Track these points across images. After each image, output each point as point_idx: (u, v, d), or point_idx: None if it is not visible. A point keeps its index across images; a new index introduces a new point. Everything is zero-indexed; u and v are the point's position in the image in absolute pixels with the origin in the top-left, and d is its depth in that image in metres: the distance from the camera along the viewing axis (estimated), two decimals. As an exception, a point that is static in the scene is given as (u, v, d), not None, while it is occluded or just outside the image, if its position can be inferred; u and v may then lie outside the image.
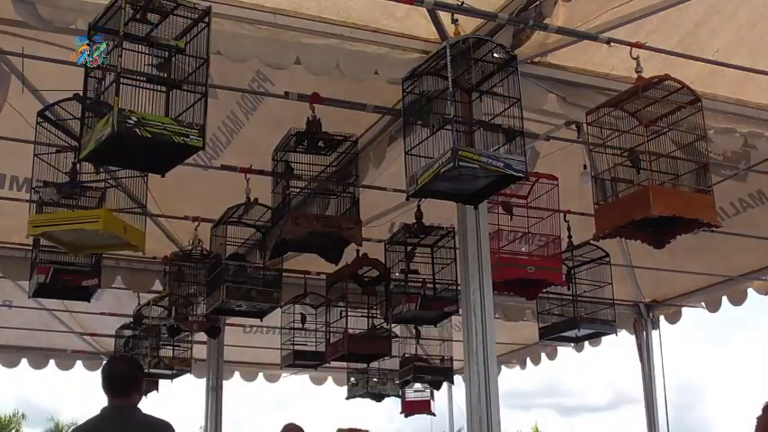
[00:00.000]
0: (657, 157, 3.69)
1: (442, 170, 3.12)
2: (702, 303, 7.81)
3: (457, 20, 3.47)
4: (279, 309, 5.57)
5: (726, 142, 4.57)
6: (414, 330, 6.73)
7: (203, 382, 7.59)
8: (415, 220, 4.89)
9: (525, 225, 4.70)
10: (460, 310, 3.97)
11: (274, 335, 7.25)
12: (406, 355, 6.89)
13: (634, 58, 3.73)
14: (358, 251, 4.96)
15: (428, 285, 5.01)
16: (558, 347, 9.60)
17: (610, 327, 5.63)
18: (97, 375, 9.67)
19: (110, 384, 3.88)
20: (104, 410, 3.86)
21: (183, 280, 5.74)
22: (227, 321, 7.17)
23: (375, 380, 7.34)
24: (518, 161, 3.20)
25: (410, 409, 8.07)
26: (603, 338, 6.65)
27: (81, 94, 3.11)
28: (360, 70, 3.88)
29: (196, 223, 5.53)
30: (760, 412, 4.86)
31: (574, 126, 4.91)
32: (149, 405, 3.98)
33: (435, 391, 8.07)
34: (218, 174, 4.90)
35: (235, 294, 4.97)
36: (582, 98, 4.17)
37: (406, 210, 5.22)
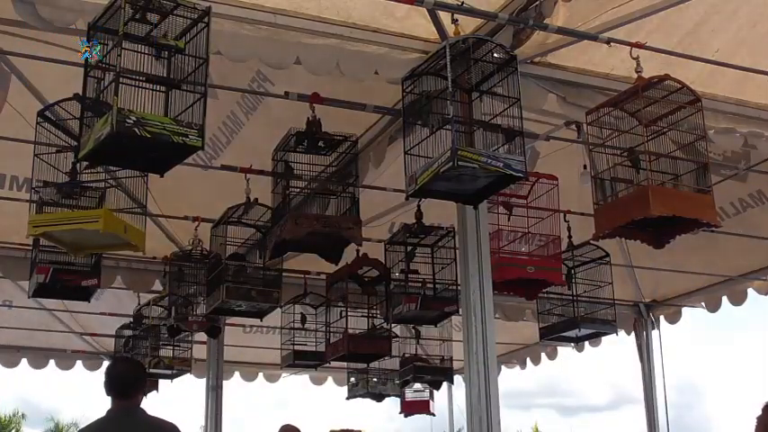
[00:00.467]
0: (657, 157, 3.69)
1: (441, 170, 3.12)
2: (702, 303, 7.81)
3: (457, 20, 3.46)
4: (279, 309, 5.57)
5: (726, 142, 4.57)
6: (414, 330, 6.73)
7: (203, 382, 7.58)
8: (415, 220, 4.88)
9: (525, 225, 4.70)
10: (460, 310, 3.96)
11: (274, 335, 7.25)
12: (406, 355, 6.89)
13: (634, 58, 3.73)
14: (358, 251, 4.96)
15: (428, 285, 5.00)
16: (558, 347, 9.60)
17: (610, 327, 5.63)
18: (97, 375, 9.68)
19: (114, 385, 3.88)
20: (110, 412, 3.87)
21: (182, 280, 5.74)
22: (227, 321, 7.16)
23: (375, 380, 7.34)
24: (518, 161, 3.19)
25: (409, 409, 8.07)
26: (603, 338, 6.65)
27: (81, 93, 3.11)
28: (360, 70, 3.88)
29: (196, 223, 5.52)
30: (760, 412, 4.86)
31: (574, 126, 4.91)
32: (149, 405, 3.98)
33: (435, 391, 8.07)
34: (218, 174, 4.90)
35: (235, 294, 4.96)
36: (582, 98, 4.17)
37: (406, 210, 5.22)
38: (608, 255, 5.48)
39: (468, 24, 3.77)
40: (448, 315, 5.11)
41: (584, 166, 4.66)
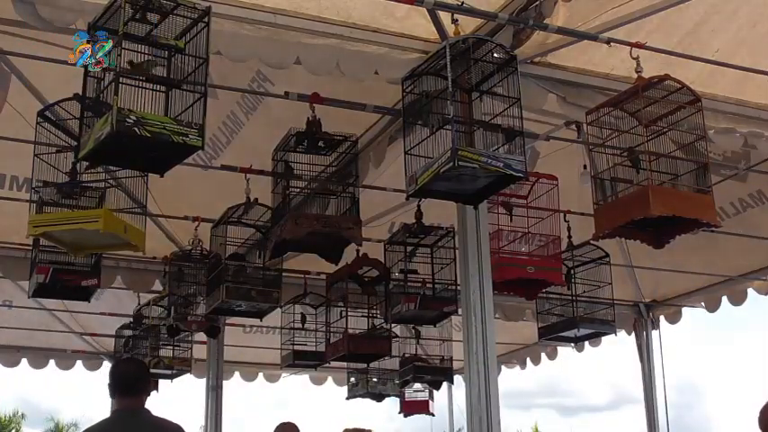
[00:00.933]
0: (657, 157, 3.69)
1: (441, 170, 3.12)
2: (702, 303, 7.81)
3: (457, 20, 3.47)
4: (279, 309, 5.57)
5: (726, 142, 4.57)
6: (414, 330, 6.73)
7: (203, 382, 7.58)
8: (414, 220, 4.89)
9: (525, 225, 4.71)
10: (460, 310, 3.96)
11: (274, 335, 7.25)
12: (406, 355, 6.89)
13: (634, 58, 3.73)
14: (358, 251, 4.96)
15: (428, 285, 5.01)
16: (558, 347, 9.60)
17: (609, 327, 5.63)
18: (97, 375, 9.66)
19: (118, 386, 3.87)
20: (114, 413, 3.87)
21: (182, 280, 5.74)
22: (227, 321, 7.16)
23: (375, 380, 7.35)
24: (518, 161, 3.20)
25: (409, 409, 8.08)
26: (603, 338, 6.66)
27: (81, 93, 3.11)
28: (360, 70, 3.88)
29: (196, 223, 5.53)
30: (758, 414, 4.85)
31: (574, 126, 4.91)
32: (149, 405, 3.97)
33: (435, 391, 8.08)
34: (218, 174, 4.90)
35: (234, 294, 4.97)
36: (582, 98, 4.17)
37: (406, 210, 5.22)
38: (608, 255, 5.48)
39: (468, 24, 3.77)
40: (447, 315, 5.11)
41: (584, 166, 4.67)
